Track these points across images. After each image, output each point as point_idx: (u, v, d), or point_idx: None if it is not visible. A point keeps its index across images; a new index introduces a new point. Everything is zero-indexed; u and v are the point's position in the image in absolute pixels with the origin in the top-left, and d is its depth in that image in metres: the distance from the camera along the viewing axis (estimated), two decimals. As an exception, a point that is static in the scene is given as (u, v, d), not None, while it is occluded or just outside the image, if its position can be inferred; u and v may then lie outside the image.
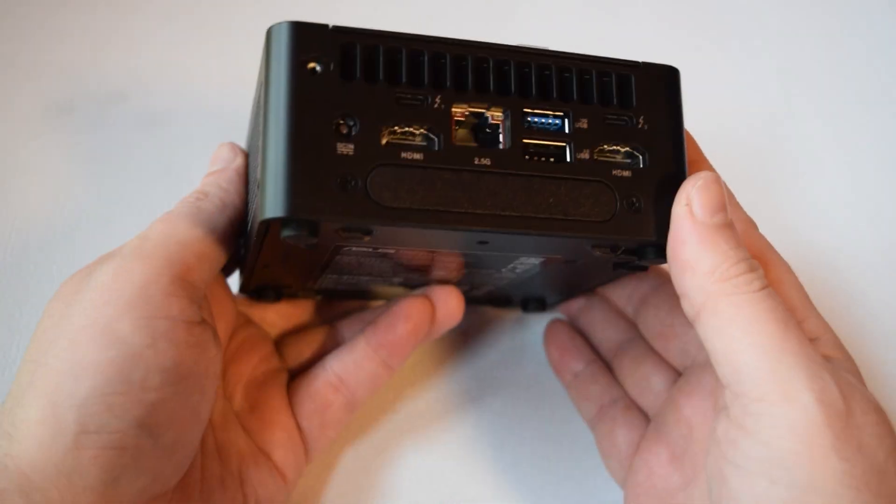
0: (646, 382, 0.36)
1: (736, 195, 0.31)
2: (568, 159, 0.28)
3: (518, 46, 0.28)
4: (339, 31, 0.26)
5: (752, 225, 0.31)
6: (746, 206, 0.32)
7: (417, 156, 0.26)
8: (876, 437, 0.25)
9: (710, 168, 0.32)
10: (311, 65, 0.26)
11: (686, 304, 0.28)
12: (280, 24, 0.26)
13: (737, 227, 0.29)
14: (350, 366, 0.35)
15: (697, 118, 0.46)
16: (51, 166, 0.42)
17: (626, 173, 0.28)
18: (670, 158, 0.28)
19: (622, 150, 0.28)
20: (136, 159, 0.43)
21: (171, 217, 0.29)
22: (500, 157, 0.27)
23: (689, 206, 0.27)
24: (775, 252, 0.31)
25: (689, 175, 0.28)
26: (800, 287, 0.30)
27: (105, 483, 0.26)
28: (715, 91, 0.47)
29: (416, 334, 0.35)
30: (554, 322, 0.40)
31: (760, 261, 0.29)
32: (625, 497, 0.34)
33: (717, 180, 0.27)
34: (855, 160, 0.45)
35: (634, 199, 0.28)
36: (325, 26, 0.26)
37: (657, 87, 0.29)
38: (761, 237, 0.31)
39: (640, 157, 0.28)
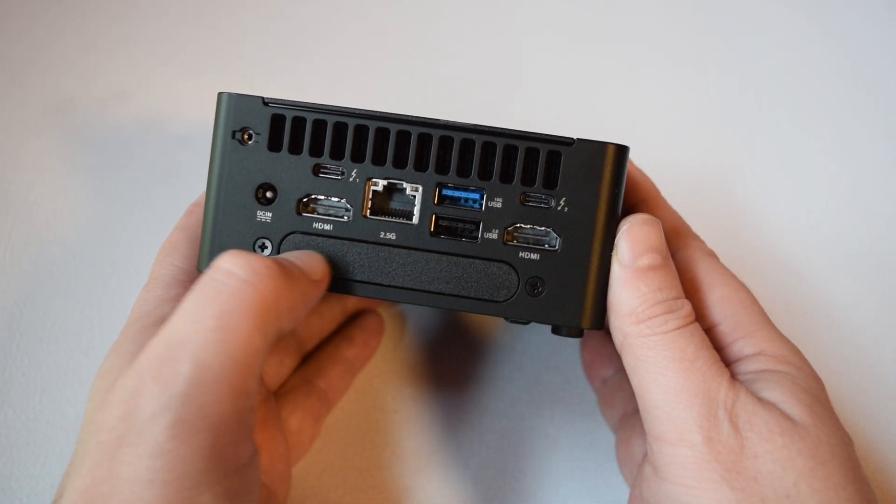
0: None
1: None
2: (476, 238, 0.28)
3: (445, 121, 0.28)
4: (271, 103, 0.28)
5: (696, 248, 0.31)
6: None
7: (327, 227, 0.28)
8: (780, 462, 0.26)
9: (658, 206, 0.32)
10: (243, 135, 0.28)
11: (614, 343, 0.29)
12: (222, 93, 0.28)
13: (685, 254, 0.30)
14: (334, 381, 0.37)
15: (660, 144, 0.46)
16: (51, 166, 0.42)
17: (535, 256, 0.28)
18: (588, 242, 0.28)
19: (537, 230, 0.28)
20: (136, 159, 0.43)
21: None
22: (407, 232, 0.28)
23: (615, 251, 0.28)
24: (723, 272, 0.31)
25: (630, 216, 0.28)
26: (748, 303, 0.30)
27: None
28: (677, 119, 0.47)
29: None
30: None
31: (702, 284, 0.30)
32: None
33: (647, 223, 0.28)
34: (811, 179, 0.45)
35: (538, 283, 0.28)
36: (259, 99, 0.28)
37: (590, 166, 0.28)
38: (706, 258, 0.31)
39: (556, 240, 0.28)
